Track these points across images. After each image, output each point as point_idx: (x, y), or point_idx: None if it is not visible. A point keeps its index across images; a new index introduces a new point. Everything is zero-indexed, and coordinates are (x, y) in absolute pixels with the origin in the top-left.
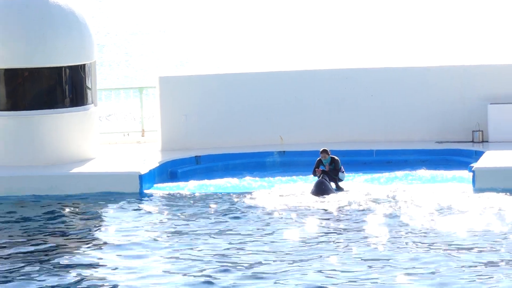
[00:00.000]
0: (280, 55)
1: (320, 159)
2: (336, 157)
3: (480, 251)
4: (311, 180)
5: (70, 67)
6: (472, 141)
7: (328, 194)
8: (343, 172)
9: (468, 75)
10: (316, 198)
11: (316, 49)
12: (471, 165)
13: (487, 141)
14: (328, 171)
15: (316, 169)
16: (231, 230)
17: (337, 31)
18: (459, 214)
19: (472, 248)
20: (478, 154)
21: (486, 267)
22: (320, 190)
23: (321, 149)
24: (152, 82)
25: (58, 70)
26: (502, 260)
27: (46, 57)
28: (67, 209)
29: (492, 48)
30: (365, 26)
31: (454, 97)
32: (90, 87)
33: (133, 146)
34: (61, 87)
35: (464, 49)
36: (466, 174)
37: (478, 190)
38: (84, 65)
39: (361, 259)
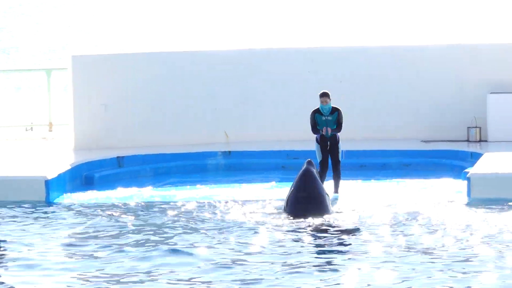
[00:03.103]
0: (225, 29)
1: (316, 110)
2: (339, 108)
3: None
4: (262, 188)
5: None
6: (468, 140)
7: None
8: (338, 139)
9: (464, 57)
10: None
11: (272, 23)
12: (466, 170)
13: (485, 141)
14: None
15: (323, 128)
16: (157, 248)
17: (298, 2)
18: (451, 232)
19: (467, 274)
20: (474, 157)
21: None
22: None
23: (320, 92)
24: (63, 63)
25: None
26: None
27: None
28: None
29: (494, 24)
30: None
31: (446, 84)
32: None
33: (38, 143)
34: None
35: (459, 25)
36: (459, 181)
37: (474, 201)
38: None
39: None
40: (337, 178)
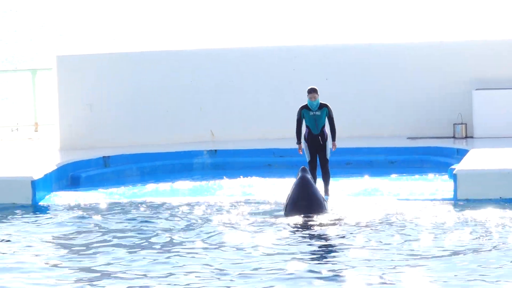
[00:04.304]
0: (210, 28)
1: (304, 106)
2: (328, 104)
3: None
4: (249, 187)
5: None
6: (454, 137)
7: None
8: (327, 137)
9: (448, 53)
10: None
11: (255, 21)
12: (452, 167)
13: (471, 137)
14: (318, 135)
15: (298, 144)
16: (146, 248)
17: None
18: (436, 232)
19: (458, 271)
20: (460, 153)
21: None
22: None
23: (309, 88)
24: (48, 63)
25: None
26: None
27: None
28: None
29: (478, 21)
30: None
31: (431, 81)
32: None
33: (24, 143)
34: None
35: (443, 22)
36: (445, 178)
37: (460, 200)
38: None
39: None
40: (326, 177)
